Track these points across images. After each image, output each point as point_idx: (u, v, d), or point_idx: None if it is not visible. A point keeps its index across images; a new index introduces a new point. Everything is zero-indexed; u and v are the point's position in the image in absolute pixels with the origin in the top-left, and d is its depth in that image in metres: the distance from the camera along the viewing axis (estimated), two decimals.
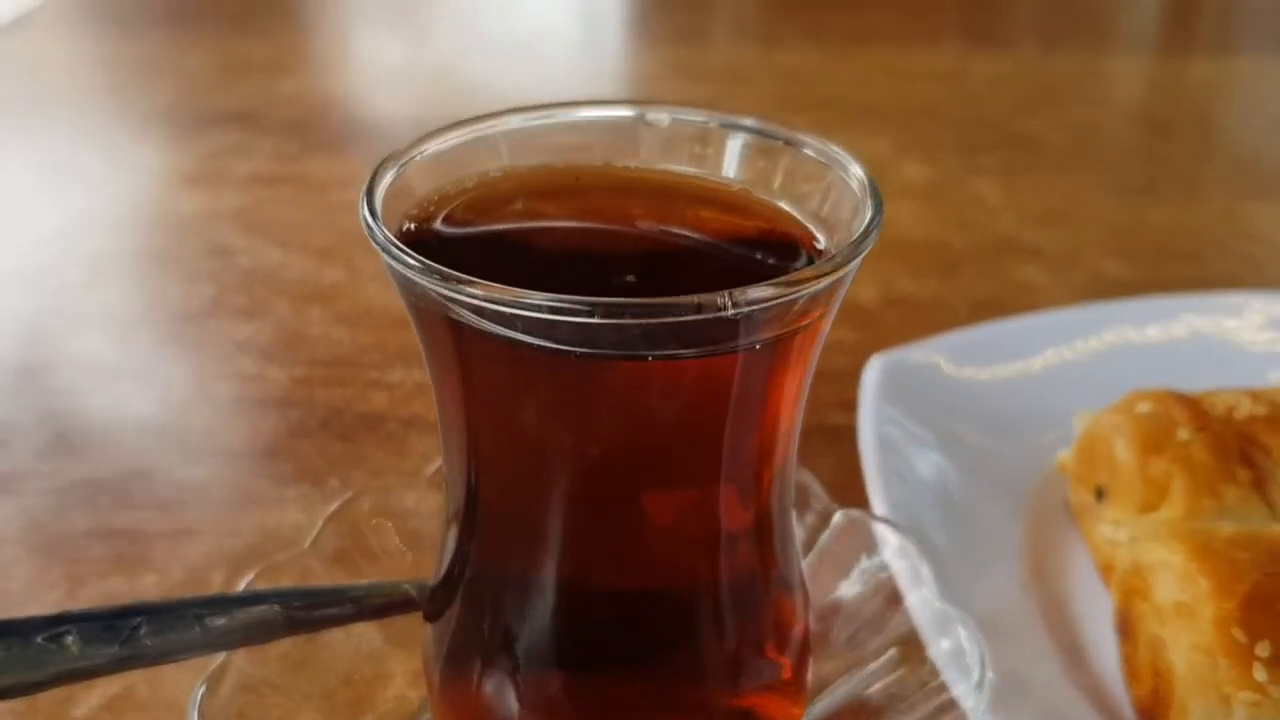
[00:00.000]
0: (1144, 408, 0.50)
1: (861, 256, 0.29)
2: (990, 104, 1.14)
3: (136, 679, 0.45)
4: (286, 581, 0.41)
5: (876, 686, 0.41)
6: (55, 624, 0.33)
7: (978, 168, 0.98)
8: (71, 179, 0.94)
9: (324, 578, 0.42)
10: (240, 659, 0.38)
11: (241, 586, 0.40)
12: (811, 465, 0.48)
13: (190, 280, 0.77)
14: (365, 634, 0.42)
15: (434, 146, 0.34)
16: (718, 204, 0.36)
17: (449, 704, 0.38)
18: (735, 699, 0.36)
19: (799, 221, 0.34)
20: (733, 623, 0.36)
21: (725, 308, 0.26)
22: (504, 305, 0.27)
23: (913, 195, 0.92)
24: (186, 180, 0.92)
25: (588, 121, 0.37)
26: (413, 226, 0.33)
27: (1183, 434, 0.48)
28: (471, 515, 0.35)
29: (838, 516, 0.46)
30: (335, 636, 0.40)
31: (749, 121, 0.36)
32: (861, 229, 0.30)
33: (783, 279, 0.27)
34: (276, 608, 0.36)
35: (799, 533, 0.44)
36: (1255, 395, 0.50)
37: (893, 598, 0.43)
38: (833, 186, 0.34)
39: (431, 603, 0.38)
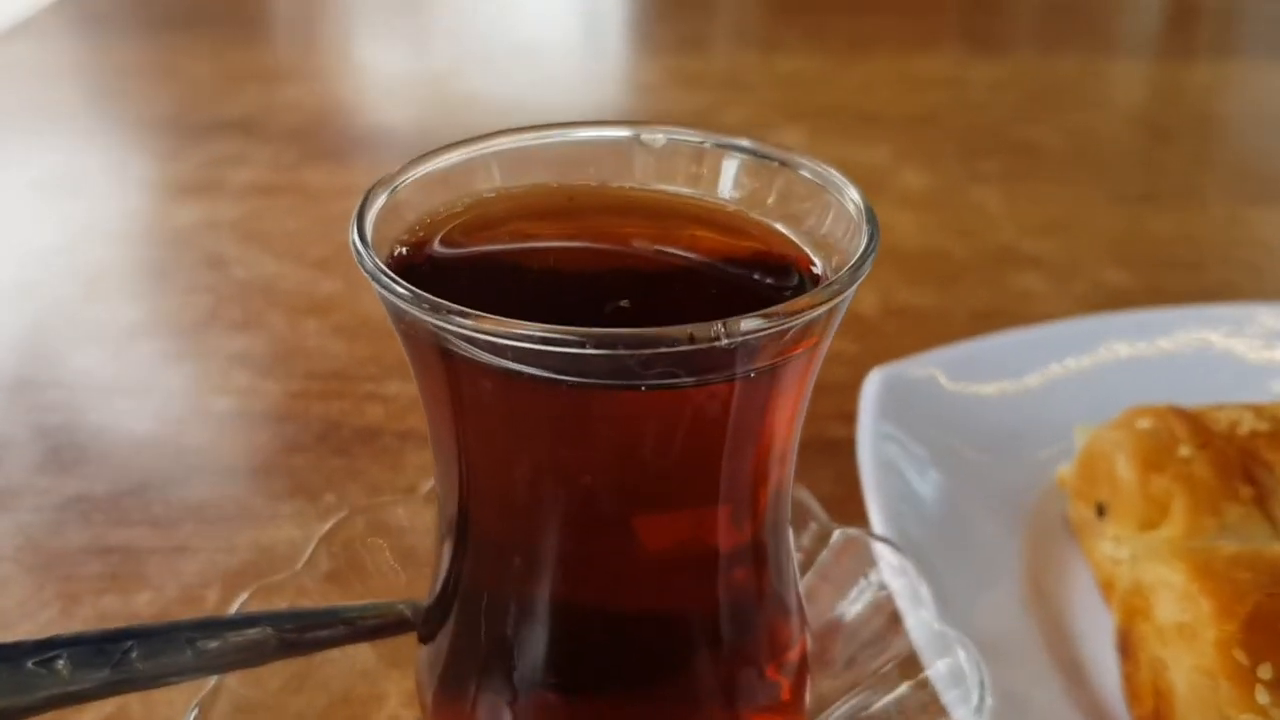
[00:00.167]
0: (1145, 424, 0.49)
1: (858, 284, 0.29)
2: (990, 109, 1.14)
3: (129, 701, 0.45)
4: (280, 602, 0.41)
5: (876, 707, 0.41)
6: (45, 648, 0.32)
7: (977, 175, 0.97)
8: (68, 189, 0.94)
9: (318, 597, 0.42)
10: (233, 680, 0.38)
11: (235, 607, 0.40)
12: (810, 478, 0.48)
13: (186, 292, 0.77)
14: (360, 654, 0.41)
15: (426, 168, 0.34)
16: (713, 225, 0.35)
17: None
18: None
19: (795, 243, 0.34)
20: (730, 643, 0.35)
21: (719, 338, 0.26)
22: (495, 335, 0.26)
23: (912, 203, 0.91)
24: (184, 190, 0.92)
25: (582, 141, 0.36)
26: (404, 250, 0.32)
27: (1184, 451, 0.47)
28: (464, 537, 0.35)
29: (836, 535, 0.45)
30: (330, 656, 0.40)
31: (744, 142, 0.35)
32: (858, 254, 0.30)
33: (777, 308, 0.27)
34: (269, 630, 0.36)
35: (797, 552, 0.44)
36: (1258, 410, 0.50)
37: (893, 617, 0.43)
38: (828, 207, 0.34)
39: (425, 624, 0.38)
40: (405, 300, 0.28)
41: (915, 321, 0.74)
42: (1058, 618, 0.49)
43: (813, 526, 0.46)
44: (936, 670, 0.39)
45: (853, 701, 0.41)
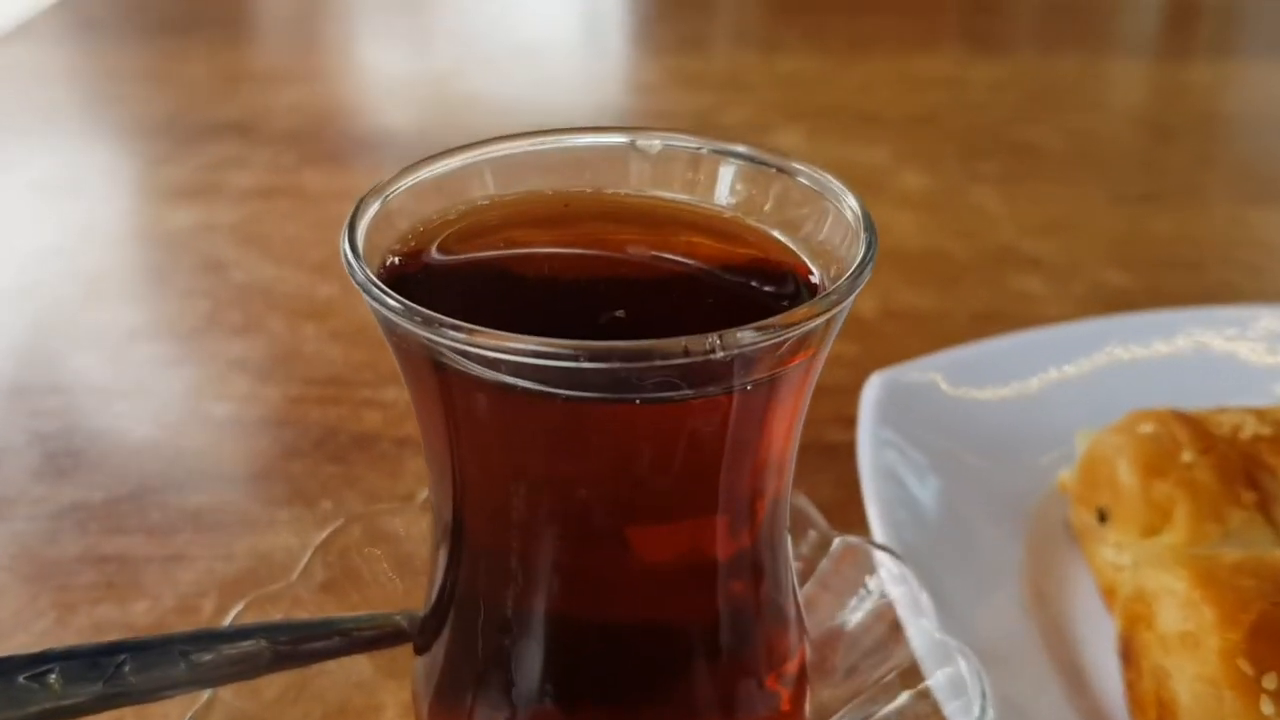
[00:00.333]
0: (1146, 428, 0.49)
1: (856, 294, 0.29)
2: (990, 110, 1.14)
3: (123, 715, 0.44)
4: (276, 612, 0.41)
5: (877, 717, 0.40)
6: (38, 662, 0.32)
7: (977, 175, 0.97)
8: (66, 192, 0.93)
9: (314, 608, 0.42)
10: (228, 693, 0.38)
11: (230, 618, 0.39)
12: (810, 483, 0.47)
13: (184, 297, 0.76)
14: (356, 664, 0.41)
15: (419, 176, 0.34)
16: (710, 232, 0.35)
17: None
18: None
19: (792, 251, 0.33)
20: (728, 654, 0.35)
21: (714, 350, 0.26)
22: (488, 349, 0.26)
23: (912, 204, 0.91)
24: (182, 193, 0.92)
25: (577, 147, 0.36)
26: (397, 260, 0.32)
27: (1186, 456, 0.47)
28: (459, 548, 0.35)
29: (836, 543, 0.45)
30: (326, 668, 0.40)
31: (741, 148, 0.35)
32: (856, 263, 0.29)
33: (774, 320, 0.27)
34: (264, 643, 0.36)
35: (797, 560, 0.43)
36: (1261, 414, 0.50)
37: (894, 626, 0.42)
38: (826, 213, 0.33)
39: (421, 635, 0.38)
40: (397, 313, 0.27)
41: (915, 323, 0.74)
42: (1059, 624, 0.48)
43: (812, 534, 0.46)
44: (937, 680, 0.39)
45: (853, 711, 0.40)
